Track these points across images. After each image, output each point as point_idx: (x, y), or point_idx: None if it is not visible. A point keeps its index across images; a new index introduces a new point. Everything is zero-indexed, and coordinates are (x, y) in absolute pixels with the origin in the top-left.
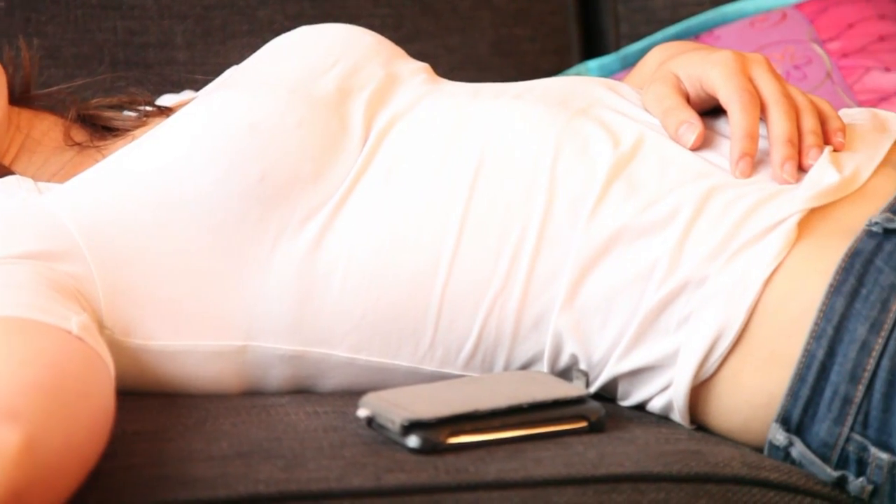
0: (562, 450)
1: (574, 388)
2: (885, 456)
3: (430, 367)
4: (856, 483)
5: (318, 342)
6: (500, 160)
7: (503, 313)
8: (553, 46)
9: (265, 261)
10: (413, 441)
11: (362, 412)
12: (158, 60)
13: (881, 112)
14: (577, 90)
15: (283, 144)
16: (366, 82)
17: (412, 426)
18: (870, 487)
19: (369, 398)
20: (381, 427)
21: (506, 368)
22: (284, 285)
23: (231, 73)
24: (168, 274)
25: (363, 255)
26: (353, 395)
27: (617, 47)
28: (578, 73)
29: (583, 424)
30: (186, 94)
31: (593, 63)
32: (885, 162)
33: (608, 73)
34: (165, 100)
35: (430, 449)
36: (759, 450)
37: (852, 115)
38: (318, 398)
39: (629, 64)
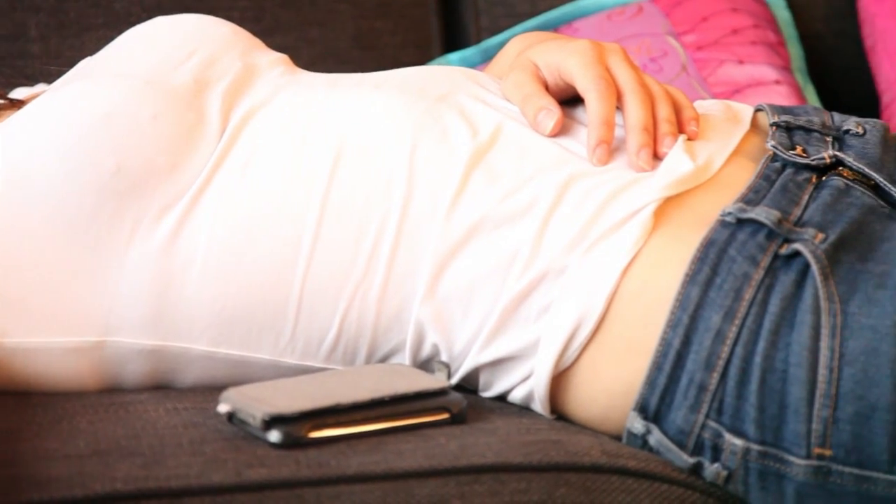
0: (423, 442)
1: (436, 380)
2: (738, 442)
3: (291, 360)
4: (711, 469)
5: (177, 336)
6: (359, 150)
7: (364, 305)
8: (414, 39)
9: (122, 254)
10: (274, 436)
11: (223, 407)
12: (11, 53)
13: (734, 104)
14: (436, 79)
15: (139, 136)
16: (223, 74)
17: (273, 421)
18: (724, 473)
19: (230, 393)
20: (242, 422)
21: (368, 361)
22: (142, 279)
23: (85, 65)
24: (20, 270)
25: (220, 247)
26: (213, 390)
27: (478, 40)
28: None
29: (444, 416)
30: (40, 87)
31: (454, 56)
32: (737, 152)
33: (469, 66)
34: (18, 93)
35: (292, 443)
36: (618, 438)
37: (706, 106)
38: (177, 394)
39: (490, 57)
